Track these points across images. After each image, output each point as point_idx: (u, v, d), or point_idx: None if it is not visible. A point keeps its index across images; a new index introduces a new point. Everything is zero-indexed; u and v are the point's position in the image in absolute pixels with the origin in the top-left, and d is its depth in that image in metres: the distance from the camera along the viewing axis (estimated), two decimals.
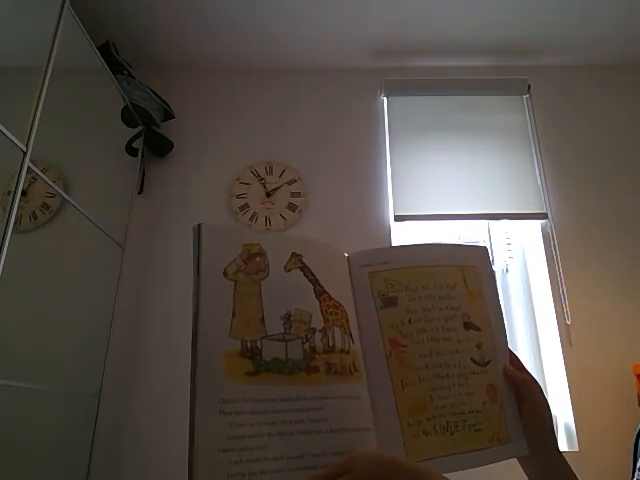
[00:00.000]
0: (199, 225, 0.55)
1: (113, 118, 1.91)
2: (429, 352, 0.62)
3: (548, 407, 0.64)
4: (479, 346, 0.65)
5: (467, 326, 0.66)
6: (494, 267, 2.02)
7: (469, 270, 0.70)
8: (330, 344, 0.56)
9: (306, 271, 0.59)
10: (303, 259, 0.59)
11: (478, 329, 0.66)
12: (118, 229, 1.85)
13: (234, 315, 0.52)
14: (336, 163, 2.06)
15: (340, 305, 0.60)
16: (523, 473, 0.65)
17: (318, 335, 0.56)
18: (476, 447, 0.60)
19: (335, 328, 0.58)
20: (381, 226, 1.95)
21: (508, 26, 2.00)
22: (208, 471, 0.45)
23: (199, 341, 0.50)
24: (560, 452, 0.62)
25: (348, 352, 0.58)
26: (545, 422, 0.63)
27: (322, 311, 0.57)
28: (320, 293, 0.58)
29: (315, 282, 0.59)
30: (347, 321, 0.60)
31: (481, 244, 2.15)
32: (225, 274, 0.54)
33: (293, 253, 0.59)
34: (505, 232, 2.06)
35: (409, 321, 0.63)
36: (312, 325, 0.56)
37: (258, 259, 0.56)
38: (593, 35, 2.03)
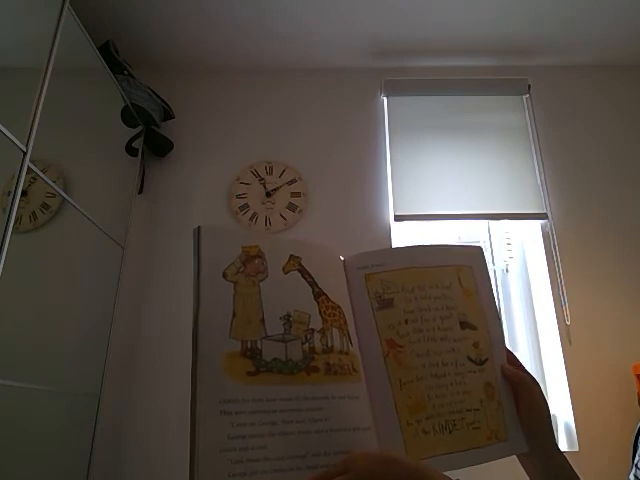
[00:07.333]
0: (198, 227, 0.55)
1: (113, 118, 1.91)
2: (426, 352, 0.63)
3: (546, 405, 0.64)
4: (476, 345, 0.66)
5: (463, 325, 0.66)
6: (493, 267, 2.02)
7: (464, 270, 0.71)
8: (329, 345, 0.57)
9: (304, 273, 0.59)
10: (301, 261, 0.60)
11: (474, 328, 0.67)
12: (118, 229, 1.85)
13: (234, 315, 0.53)
14: (336, 163, 2.07)
15: (338, 307, 0.60)
16: (524, 471, 0.66)
17: (317, 336, 0.56)
18: (475, 445, 0.60)
19: (333, 329, 0.58)
20: (381, 226, 1.95)
21: (508, 26, 2.00)
22: (209, 470, 0.45)
23: (200, 341, 0.50)
24: (559, 450, 0.62)
25: (347, 353, 0.58)
26: (543, 420, 0.63)
27: (320, 312, 0.58)
28: (318, 295, 0.59)
29: (313, 284, 0.59)
30: (345, 322, 0.60)
31: (481, 244, 2.16)
32: (225, 276, 0.54)
33: (291, 255, 0.59)
34: (505, 232, 2.06)
35: (405, 321, 0.64)
36: (311, 326, 0.56)
37: (257, 261, 0.57)
38: (593, 35, 2.03)
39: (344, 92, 2.20)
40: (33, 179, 1.47)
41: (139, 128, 1.98)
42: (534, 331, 1.91)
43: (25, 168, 1.25)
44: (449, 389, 0.62)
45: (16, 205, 1.21)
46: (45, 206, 1.74)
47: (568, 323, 1.77)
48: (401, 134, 2.09)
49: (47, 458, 1.53)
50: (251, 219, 1.97)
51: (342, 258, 0.67)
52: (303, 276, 0.59)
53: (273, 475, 0.48)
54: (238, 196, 2.01)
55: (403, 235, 2.01)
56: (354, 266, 0.66)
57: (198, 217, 1.98)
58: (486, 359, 0.66)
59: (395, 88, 2.13)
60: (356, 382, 0.57)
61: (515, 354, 0.70)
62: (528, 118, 2.10)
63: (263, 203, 1.99)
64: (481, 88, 2.13)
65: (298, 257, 0.60)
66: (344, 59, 2.19)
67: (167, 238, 1.95)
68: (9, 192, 1.22)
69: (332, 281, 0.62)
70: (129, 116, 1.91)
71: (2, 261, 1.13)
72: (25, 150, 1.25)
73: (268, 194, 2.01)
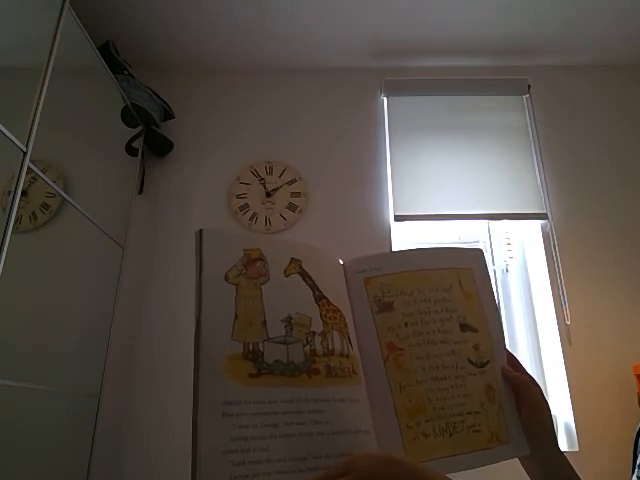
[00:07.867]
0: (200, 231, 0.55)
1: (113, 118, 1.90)
2: (426, 355, 0.63)
3: (547, 407, 0.64)
4: (476, 347, 0.66)
5: (463, 328, 0.66)
6: (493, 267, 2.02)
7: (465, 272, 0.70)
8: (330, 347, 0.57)
9: (305, 276, 0.59)
10: (302, 264, 0.60)
11: (475, 330, 0.67)
12: (118, 229, 1.85)
13: (236, 317, 0.53)
14: (336, 163, 2.06)
15: (338, 310, 0.60)
16: (525, 473, 0.66)
17: (318, 338, 0.56)
18: (476, 448, 0.60)
19: (334, 332, 0.58)
20: (381, 226, 1.95)
21: (508, 26, 2.00)
22: (211, 472, 0.45)
23: (202, 343, 0.50)
24: (561, 451, 0.62)
25: (347, 356, 0.58)
26: (544, 422, 0.63)
27: (321, 315, 0.58)
28: (319, 298, 0.59)
29: (314, 287, 0.59)
30: (345, 325, 0.60)
31: (481, 244, 2.16)
32: (226, 278, 0.55)
33: (292, 258, 0.60)
34: (505, 232, 2.06)
35: (405, 324, 0.64)
36: (312, 329, 0.57)
37: (258, 264, 0.57)
38: (593, 35, 2.03)
39: (344, 92, 2.20)
40: (33, 179, 1.47)
41: (139, 128, 1.98)
42: (534, 331, 1.91)
43: (25, 168, 1.25)
44: (449, 392, 0.62)
45: (16, 205, 1.21)
46: (45, 206, 1.74)
47: (568, 323, 1.77)
48: (401, 134, 2.09)
49: (47, 458, 1.53)
50: (251, 219, 1.97)
51: (341, 262, 0.67)
52: (304, 279, 0.59)
53: (275, 477, 0.48)
54: (238, 196, 2.01)
55: (403, 235, 2.01)
56: (353, 270, 0.66)
57: (198, 217, 1.98)
58: (487, 361, 0.66)
59: (395, 88, 2.13)
60: (356, 385, 0.58)
61: (515, 355, 0.70)
62: (528, 118, 2.10)
63: (263, 203, 1.99)
64: (481, 88, 2.13)
65: (299, 260, 0.60)
66: (344, 59, 2.19)
67: (167, 238, 1.95)
68: (9, 192, 1.22)
69: (332, 284, 0.62)
70: (129, 116, 1.91)
71: (2, 261, 1.13)
72: (25, 150, 1.25)
73: (268, 194, 2.00)
